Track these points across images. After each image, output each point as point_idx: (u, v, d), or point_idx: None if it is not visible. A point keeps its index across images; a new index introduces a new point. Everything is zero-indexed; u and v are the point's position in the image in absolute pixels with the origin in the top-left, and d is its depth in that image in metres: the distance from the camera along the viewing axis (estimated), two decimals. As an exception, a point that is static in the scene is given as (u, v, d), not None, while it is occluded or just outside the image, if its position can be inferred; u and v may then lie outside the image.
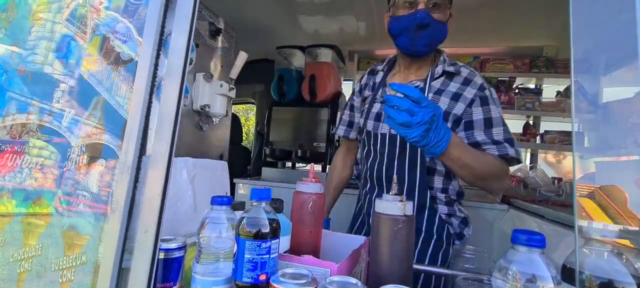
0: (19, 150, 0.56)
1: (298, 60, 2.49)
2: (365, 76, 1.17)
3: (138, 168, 0.46)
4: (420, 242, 0.95)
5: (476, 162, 0.86)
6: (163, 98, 0.47)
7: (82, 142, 0.52)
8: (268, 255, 0.48)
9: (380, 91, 1.06)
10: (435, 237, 0.96)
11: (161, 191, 0.44)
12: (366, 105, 1.09)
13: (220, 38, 1.65)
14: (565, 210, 1.50)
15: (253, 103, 3.51)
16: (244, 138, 3.34)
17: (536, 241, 0.36)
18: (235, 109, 4.85)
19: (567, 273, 0.38)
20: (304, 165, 2.68)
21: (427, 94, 0.95)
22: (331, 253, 0.69)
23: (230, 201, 0.55)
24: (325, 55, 2.36)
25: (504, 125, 0.92)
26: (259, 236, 0.48)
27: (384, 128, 1.00)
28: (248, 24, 2.47)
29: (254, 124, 3.55)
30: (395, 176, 0.58)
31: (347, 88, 2.74)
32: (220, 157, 1.76)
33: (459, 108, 0.93)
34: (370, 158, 1.02)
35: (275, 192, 0.56)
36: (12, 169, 0.55)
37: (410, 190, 0.95)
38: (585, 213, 0.40)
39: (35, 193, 0.53)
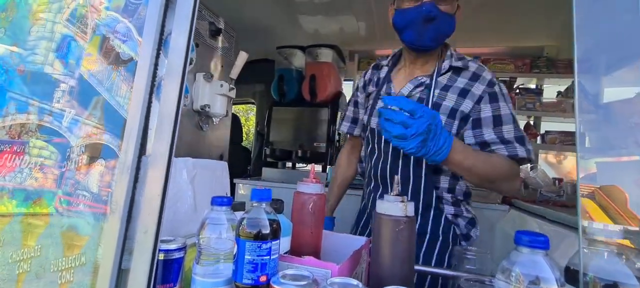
0: (18, 151, 0.55)
1: (298, 60, 2.49)
2: (369, 71, 1.13)
3: (138, 168, 0.46)
4: (425, 243, 0.92)
5: (482, 165, 0.83)
6: (163, 98, 0.47)
7: (82, 142, 0.52)
8: (268, 256, 0.48)
9: (384, 87, 1.02)
10: (441, 238, 0.92)
11: (161, 191, 0.44)
12: (370, 102, 1.05)
13: (220, 38, 1.65)
14: (566, 210, 1.49)
15: (253, 103, 3.51)
16: (244, 138, 3.33)
17: (540, 242, 0.35)
18: (236, 109, 4.84)
19: (570, 274, 0.38)
20: (304, 165, 2.68)
21: (433, 91, 0.92)
22: (332, 254, 0.69)
23: (230, 202, 0.54)
24: (326, 55, 2.36)
25: (515, 122, 0.88)
26: (259, 237, 0.48)
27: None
28: (248, 24, 2.47)
29: (254, 124, 3.55)
30: (397, 176, 0.57)
31: (347, 88, 2.74)
32: (221, 157, 1.76)
33: (466, 105, 0.89)
34: (374, 157, 0.99)
35: (275, 192, 0.55)
36: (12, 169, 0.55)
37: (415, 190, 0.93)
38: (588, 214, 0.40)
39: (35, 193, 0.53)
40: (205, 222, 0.52)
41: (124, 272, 0.45)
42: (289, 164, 2.60)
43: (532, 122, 2.57)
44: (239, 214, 0.54)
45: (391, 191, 0.55)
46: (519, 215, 1.74)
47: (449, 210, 0.94)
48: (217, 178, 0.87)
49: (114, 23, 0.55)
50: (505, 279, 0.36)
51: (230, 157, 1.83)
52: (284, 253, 0.58)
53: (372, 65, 1.13)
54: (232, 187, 2.24)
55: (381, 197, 0.56)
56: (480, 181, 0.87)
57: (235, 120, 2.82)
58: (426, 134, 0.73)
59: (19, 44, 0.60)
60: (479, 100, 0.89)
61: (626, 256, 0.36)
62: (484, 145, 0.88)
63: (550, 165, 2.48)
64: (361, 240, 0.68)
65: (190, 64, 1.44)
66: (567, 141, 2.36)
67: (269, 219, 0.49)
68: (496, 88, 0.90)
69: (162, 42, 0.49)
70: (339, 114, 2.41)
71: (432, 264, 0.89)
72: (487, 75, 0.91)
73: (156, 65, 0.49)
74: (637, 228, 0.37)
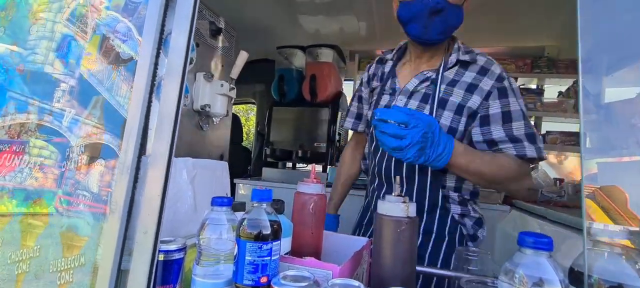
0: (18, 150, 0.55)
1: (299, 60, 2.49)
2: (374, 65, 1.08)
3: (137, 168, 0.46)
4: (431, 244, 0.89)
5: (487, 167, 0.81)
6: (163, 97, 0.47)
7: (82, 141, 0.52)
8: (269, 257, 0.48)
9: (389, 82, 0.98)
10: (447, 238, 0.89)
11: (161, 191, 0.44)
12: (374, 97, 1.02)
13: (220, 37, 1.65)
14: (567, 211, 1.49)
15: (253, 103, 3.51)
16: (244, 138, 3.33)
17: (544, 244, 0.35)
18: (236, 109, 4.84)
19: (574, 276, 0.37)
20: (305, 165, 2.68)
21: (439, 86, 0.88)
22: (333, 255, 0.68)
23: (230, 202, 0.54)
24: (326, 55, 2.36)
25: (525, 119, 0.84)
26: (260, 238, 0.47)
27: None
28: (248, 24, 2.47)
29: (255, 124, 3.55)
30: (398, 177, 0.57)
31: (347, 88, 2.74)
32: (221, 157, 1.75)
33: (474, 101, 0.85)
34: (379, 154, 0.96)
35: (275, 192, 0.55)
36: (13, 169, 0.55)
37: (421, 188, 0.89)
38: (593, 215, 0.39)
39: (35, 193, 0.52)
40: (205, 223, 0.52)
41: (123, 272, 0.44)
42: (289, 164, 2.60)
43: (533, 123, 2.57)
44: (239, 214, 0.54)
45: (394, 191, 0.55)
46: (520, 215, 1.74)
47: (455, 209, 0.91)
48: (217, 179, 0.86)
49: (114, 23, 0.54)
50: (508, 281, 0.36)
51: (231, 157, 1.83)
52: (285, 254, 0.58)
53: (376, 59, 1.09)
54: (232, 187, 2.24)
55: (383, 196, 0.56)
56: (486, 183, 0.84)
57: (236, 120, 2.82)
58: (423, 143, 0.72)
59: (19, 44, 0.60)
60: (487, 96, 0.85)
61: (629, 257, 0.36)
62: (491, 144, 0.85)
63: (551, 165, 2.48)
64: (362, 241, 0.68)
65: (191, 63, 1.43)
66: (568, 141, 2.35)
67: (270, 220, 0.49)
68: (506, 83, 0.86)
69: (162, 42, 0.49)
70: (340, 114, 2.41)
71: (438, 266, 0.86)
72: (496, 69, 0.87)
73: (156, 64, 0.48)
74: (638, 229, 0.36)
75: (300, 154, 2.36)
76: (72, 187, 0.50)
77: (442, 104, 0.87)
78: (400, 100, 0.93)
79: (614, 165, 0.39)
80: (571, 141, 2.32)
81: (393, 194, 0.53)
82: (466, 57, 0.89)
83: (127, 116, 0.48)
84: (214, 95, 1.51)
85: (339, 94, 2.43)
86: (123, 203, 0.45)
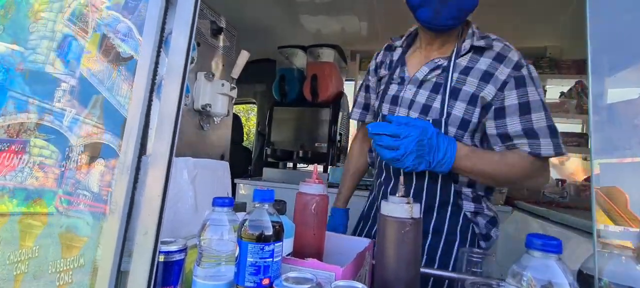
0: (18, 150, 0.55)
1: (300, 60, 2.48)
2: (381, 53, 1.02)
3: (138, 168, 0.45)
4: (441, 244, 0.83)
5: (495, 168, 0.77)
6: (164, 97, 0.46)
7: (83, 141, 0.51)
8: (271, 259, 0.47)
9: (397, 70, 0.92)
10: (458, 238, 0.83)
11: (161, 192, 0.43)
12: (382, 86, 0.96)
13: (221, 37, 1.64)
14: (570, 212, 1.48)
15: (254, 103, 3.51)
16: (244, 138, 3.33)
17: (552, 246, 0.34)
18: (236, 109, 4.84)
19: (583, 279, 0.37)
20: (305, 165, 2.67)
21: (451, 74, 0.81)
22: (334, 256, 0.68)
23: (232, 202, 0.53)
24: (327, 55, 2.35)
25: (546, 110, 0.76)
26: (261, 239, 0.46)
27: (402, 112, 0.88)
28: (249, 24, 2.46)
29: (255, 124, 3.54)
30: (402, 177, 0.56)
31: (348, 88, 2.73)
32: (221, 157, 1.75)
33: (488, 91, 0.79)
34: None
35: (276, 192, 0.54)
36: (13, 168, 0.54)
37: (431, 183, 0.84)
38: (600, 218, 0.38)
39: (35, 192, 0.52)
40: (206, 223, 0.51)
41: (123, 273, 0.44)
42: (290, 164, 2.59)
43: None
44: (240, 215, 0.53)
45: (398, 192, 0.54)
46: (522, 216, 1.73)
47: (468, 206, 0.85)
48: (218, 179, 0.86)
49: (115, 22, 0.54)
50: (516, 283, 0.35)
51: (231, 157, 1.82)
52: (286, 256, 0.57)
53: (385, 46, 1.02)
54: (233, 187, 2.23)
55: (387, 197, 0.55)
56: (496, 183, 0.81)
57: (236, 120, 2.82)
58: (419, 151, 0.71)
59: (20, 43, 0.60)
60: (502, 86, 0.78)
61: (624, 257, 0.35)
62: (505, 138, 0.79)
63: (553, 166, 2.47)
64: (365, 242, 0.67)
65: (192, 63, 1.43)
66: (570, 142, 2.34)
67: (272, 221, 0.48)
68: (524, 71, 0.78)
69: (162, 41, 0.48)
70: (341, 114, 2.40)
71: (450, 268, 0.81)
72: (514, 56, 0.80)
73: (157, 64, 0.48)
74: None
75: (301, 154, 2.36)
76: (73, 187, 0.50)
77: (454, 93, 0.81)
78: (409, 90, 0.87)
79: (622, 166, 0.38)
80: (573, 142, 2.31)
81: (397, 195, 0.53)
82: (481, 43, 0.82)
83: (128, 116, 0.48)
84: (214, 94, 1.50)
85: (340, 94, 2.43)
86: (123, 204, 0.44)
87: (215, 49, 1.61)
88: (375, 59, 1.04)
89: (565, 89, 2.54)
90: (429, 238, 0.85)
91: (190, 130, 1.51)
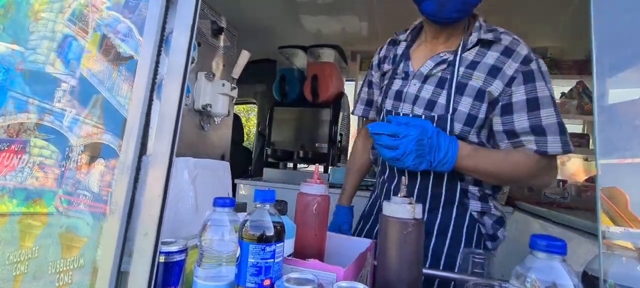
0: (18, 149, 0.55)
1: (300, 60, 2.48)
2: (385, 47, 1.00)
3: (138, 168, 0.45)
4: (446, 245, 0.81)
5: (499, 166, 0.75)
6: (164, 97, 0.46)
7: (83, 141, 0.51)
8: (272, 260, 0.47)
9: (401, 65, 0.90)
10: (464, 238, 0.81)
11: (162, 192, 0.43)
12: (385, 81, 0.94)
13: (222, 37, 1.64)
14: (571, 212, 1.48)
15: (254, 103, 3.51)
16: (244, 138, 3.32)
17: (557, 247, 0.34)
18: (236, 109, 4.84)
19: (588, 280, 0.36)
20: (306, 165, 2.67)
21: (457, 69, 0.79)
22: (336, 257, 0.67)
23: (233, 203, 0.53)
24: (328, 55, 2.35)
25: (555, 106, 0.74)
26: (263, 239, 0.46)
27: (406, 107, 0.85)
28: (249, 24, 2.46)
29: (255, 125, 3.54)
30: (404, 177, 0.56)
31: (349, 88, 2.73)
32: (222, 157, 1.74)
33: (496, 87, 0.76)
34: None
35: (276, 193, 0.54)
36: (13, 168, 0.54)
37: (437, 181, 0.81)
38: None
39: (36, 192, 0.52)
40: (207, 224, 0.51)
41: (123, 274, 0.43)
42: (290, 165, 2.59)
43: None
44: (240, 215, 0.53)
45: (400, 192, 0.54)
46: (523, 217, 1.72)
47: (475, 206, 0.82)
48: (218, 179, 0.86)
49: (115, 23, 0.54)
50: (519, 285, 0.35)
51: (231, 158, 1.82)
52: (288, 256, 0.57)
53: (389, 40, 1.00)
54: (233, 187, 2.23)
55: (389, 197, 0.54)
56: (500, 182, 0.80)
57: (237, 120, 2.81)
58: (419, 150, 0.70)
59: (20, 43, 0.59)
60: (510, 82, 0.75)
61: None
62: (512, 135, 0.77)
63: (554, 166, 2.46)
64: (366, 243, 0.67)
65: (192, 63, 1.43)
66: (571, 143, 2.34)
67: (273, 221, 0.48)
68: (533, 65, 0.75)
69: (163, 41, 0.48)
70: (341, 114, 2.40)
71: (456, 270, 0.78)
72: (523, 50, 0.77)
73: (157, 63, 0.47)
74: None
75: (301, 155, 2.35)
76: (73, 187, 0.50)
77: (461, 88, 0.79)
78: (413, 85, 0.85)
79: (627, 166, 0.38)
80: (574, 142, 2.29)
81: (399, 195, 0.52)
82: (488, 36, 0.79)
83: (128, 115, 0.47)
84: (215, 94, 1.50)
85: (341, 94, 2.43)
86: (123, 204, 0.44)
87: (215, 49, 1.61)
88: (379, 53, 1.02)
89: (566, 90, 2.53)
90: (434, 239, 0.83)
91: (191, 130, 1.50)
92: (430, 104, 0.82)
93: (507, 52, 0.77)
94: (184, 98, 0.46)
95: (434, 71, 0.83)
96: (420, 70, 0.85)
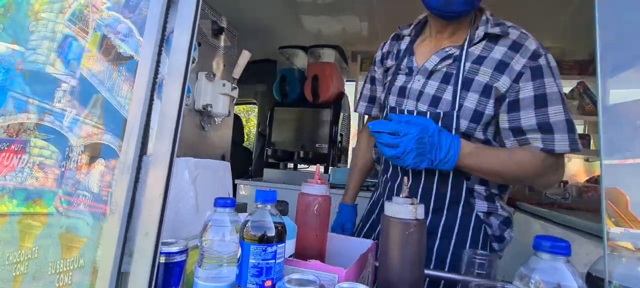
0: (18, 150, 0.54)
1: (300, 60, 2.48)
2: (389, 42, 0.97)
3: (138, 168, 0.45)
4: (452, 246, 0.79)
5: (503, 165, 0.74)
6: (165, 97, 0.46)
7: (83, 141, 0.51)
8: (274, 260, 0.46)
9: (405, 60, 0.87)
10: (470, 239, 0.79)
11: (162, 192, 0.43)
12: (389, 77, 0.91)
13: (222, 37, 1.64)
14: (572, 213, 1.47)
15: (255, 103, 3.50)
16: (245, 139, 3.32)
17: (561, 248, 0.34)
18: (237, 109, 4.84)
19: (592, 282, 0.36)
20: (306, 166, 2.67)
21: (464, 64, 0.77)
22: (337, 258, 0.67)
23: (234, 203, 0.53)
24: (328, 56, 2.34)
25: (564, 103, 0.72)
26: (264, 240, 0.46)
27: (410, 104, 0.83)
28: (250, 24, 2.46)
29: (255, 125, 3.54)
30: (406, 178, 0.55)
31: (349, 89, 2.73)
32: (222, 158, 1.74)
33: (503, 83, 0.74)
34: None
35: (277, 193, 0.54)
36: (13, 169, 0.54)
37: (442, 180, 0.79)
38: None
39: (36, 192, 0.52)
40: (208, 224, 0.50)
41: (123, 275, 0.43)
42: (291, 165, 2.59)
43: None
44: (241, 216, 0.52)
45: (402, 193, 0.53)
46: (524, 217, 1.72)
47: (481, 206, 0.80)
48: (219, 179, 0.85)
49: (115, 23, 0.54)
50: (523, 286, 0.34)
51: (232, 158, 1.81)
52: (289, 257, 0.56)
53: (392, 35, 0.98)
54: (233, 187, 2.23)
55: (391, 198, 0.54)
56: (505, 181, 0.78)
57: (237, 120, 2.81)
58: (419, 149, 0.69)
59: (20, 43, 0.59)
60: (518, 78, 0.73)
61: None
62: (518, 132, 0.75)
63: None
64: (367, 243, 0.66)
65: (193, 63, 1.42)
66: (572, 143, 2.33)
67: (274, 221, 0.48)
68: (541, 60, 0.73)
69: (164, 41, 0.48)
70: (342, 114, 2.40)
71: (462, 271, 0.77)
72: (531, 44, 0.74)
73: (158, 63, 0.47)
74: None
75: (301, 155, 2.35)
76: (73, 187, 0.49)
77: (467, 84, 0.76)
78: (417, 81, 0.83)
79: (632, 166, 0.38)
80: (575, 143, 2.30)
81: (401, 195, 0.52)
82: (496, 30, 0.77)
83: (128, 115, 0.47)
84: (215, 95, 1.50)
85: (341, 95, 2.42)
86: (123, 204, 0.43)
87: (216, 49, 1.60)
88: (382, 49, 1.00)
89: (567, 90, 2.53)
90: (438, 239, 0.81)
91: (191, 131, 1.50)
92: (435, 100, 0.80)
93: (515, 47, 0.75)
94: (185, 98, 0.46)
95: (439, 66, 0.81)
96: (425, 65, 0.83)
